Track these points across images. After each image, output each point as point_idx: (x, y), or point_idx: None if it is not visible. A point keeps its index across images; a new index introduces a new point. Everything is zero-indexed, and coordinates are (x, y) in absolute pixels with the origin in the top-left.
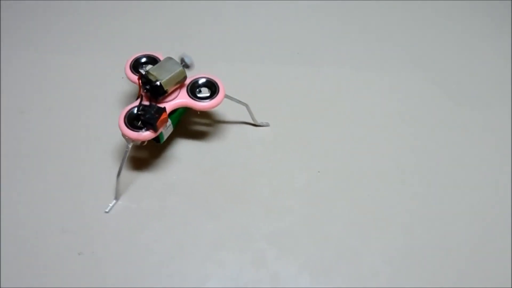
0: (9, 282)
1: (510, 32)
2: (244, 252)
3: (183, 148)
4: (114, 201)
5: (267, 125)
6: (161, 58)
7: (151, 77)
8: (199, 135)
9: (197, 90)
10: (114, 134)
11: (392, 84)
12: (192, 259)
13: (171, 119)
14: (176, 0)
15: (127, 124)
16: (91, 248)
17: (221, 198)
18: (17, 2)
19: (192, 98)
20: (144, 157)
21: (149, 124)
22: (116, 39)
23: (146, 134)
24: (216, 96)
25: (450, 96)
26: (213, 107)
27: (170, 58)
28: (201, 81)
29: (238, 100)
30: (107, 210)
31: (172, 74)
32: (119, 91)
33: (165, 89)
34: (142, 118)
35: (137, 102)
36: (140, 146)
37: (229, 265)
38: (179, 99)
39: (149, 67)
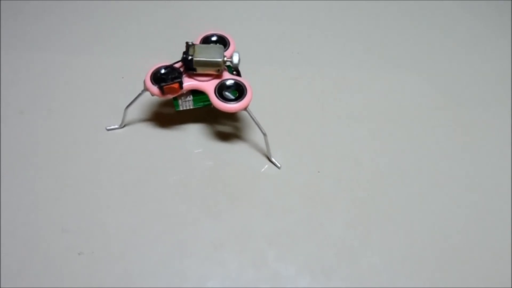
0: (9, 282)
1: (510, 32)
2: (244, 252)
3: (182, 149)
4: (117, 126)
5: (278, 167)
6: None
7: (190, 50)
8: (203, 135)
9: (226, 91)
10: (114, 134)
11: (392, 84)
12: (192, 259)
13: (195, 98)
14: (176, 0)
15: (152, 76)
16: (91, 248)
17: (221, 198)
18: (17, 2)
19: (216, 96)
20: (147, 152)
21: (159, 83)
22: (116, 39)
23: (154, 90)
24: (236, 103)
25: (450, 96)
26: (225, 110)
27: (221, 47)
28: (229, 82)
29: (258, 124)
30: (108, 128)
31: (208, 59)
32: (119, 91)
33: (194, 67)
34: (159, 75)
35: (178, 64)
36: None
37: (229, 265)
38: (204, 85)
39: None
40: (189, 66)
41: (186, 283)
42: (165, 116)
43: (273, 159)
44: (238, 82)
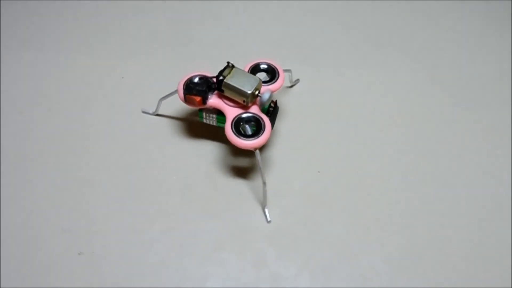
0: (9, 282)
1: (510, 32)
2: (244, 252)
3: (183, 148)
4: (151, 112)
5: (268, 220)
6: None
7: (226, 71)
8: (200, 135)
9: (246, 124)
10: (114, 134)
11: (392, 84)
12: (192, 259)
13: (219, 117)
14: (175, 0)
15: (188, 81)
16: (91, 248)
17: (221, 198)
18: (17, 2)
19: (231, 125)
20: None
21: (184, 90)
22: (116, 39)
23: (180, 94)
24: (245, 139)
25: (450, 96)
26: (231, 141)
27: (258, 80)
28: (248, 116)
29: (261, 170)
30: (143, 110)
31: (237, 86)
32: (119, 91)
33: (223, 88)
34: (190, 83)
35: (209, 74)
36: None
37: (229, 265)
38: (228, 109)
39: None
40: (218, 84)
41: (186, 283)
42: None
43: (266, 210)
44: (259, 119)
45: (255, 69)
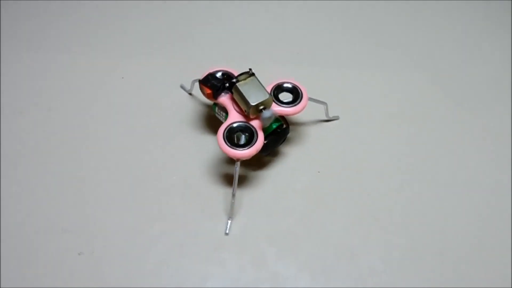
0: (9, 282)
1: (510, 32)
2: (244, 252)
3: (182, 149)
4: (188, 89)
5: (226, 233)
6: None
7: (242, 76)
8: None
9: (239, 133)
10: (114, 134)
11: (392, 84)
12: (192, 259)
13: (227, 116)
14: (175, 0)
15: (209, 74)
16: (91, 248)
17: (221, 198)
18: (17, 2)
19: (224, 130)
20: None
21: (201, 79)
22: (116, 39)
23: (202, 86)
24: (230, 147)
25: (450, 96)
26: (219, 145)
27: (267, 96)
28: (239, 125)
29: (234, 183)
30: (181, 85)
31: (243, 94)
32: (119, 91)
33: (232, 91)
34: (210, 74)
35: (236, 73)
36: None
37: (229, 265)
38: (231, 112)
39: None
40: (230, 87)
41: (186, 283)
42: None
43: (229, 222)
44: (253, 132)
45: (279, 88)
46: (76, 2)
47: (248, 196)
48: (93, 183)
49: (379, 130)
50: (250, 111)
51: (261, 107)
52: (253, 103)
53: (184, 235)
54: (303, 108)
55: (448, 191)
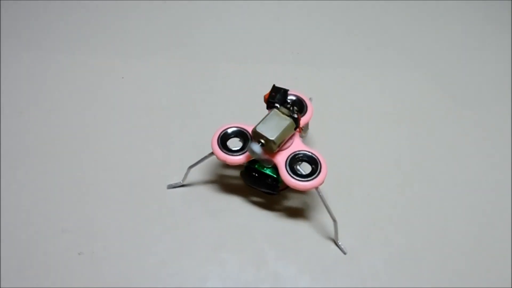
0: (9, 282)
1: (510, 32)
2: (244, 252)
3: (182, 149)
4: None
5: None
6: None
7: (284, 109)
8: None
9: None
10: (114, 134)
11: (392, 84)
12: (192, 259)
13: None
14: (175, 0)
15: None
16: (91, 248)
17: (221, 198)
18: (17, 2)
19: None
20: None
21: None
22: (116, 39)
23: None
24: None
25: (450, 96)
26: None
27: (274, 137)
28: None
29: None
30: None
31: (262, 120)
32: (119, 91)
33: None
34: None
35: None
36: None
37: (229, 265)
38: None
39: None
40: (268, 106)
41: (186, 283)
42: None
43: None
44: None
45: (298, 159)
46: (76, 2)
47: (248, 196)
48: (93, 183)
49: (379, 130)
50: (252, 134)
51: (261, 140)
52: (257, 129)
53: (184, 235)
54: (320, 183)
55: (448, 191)
